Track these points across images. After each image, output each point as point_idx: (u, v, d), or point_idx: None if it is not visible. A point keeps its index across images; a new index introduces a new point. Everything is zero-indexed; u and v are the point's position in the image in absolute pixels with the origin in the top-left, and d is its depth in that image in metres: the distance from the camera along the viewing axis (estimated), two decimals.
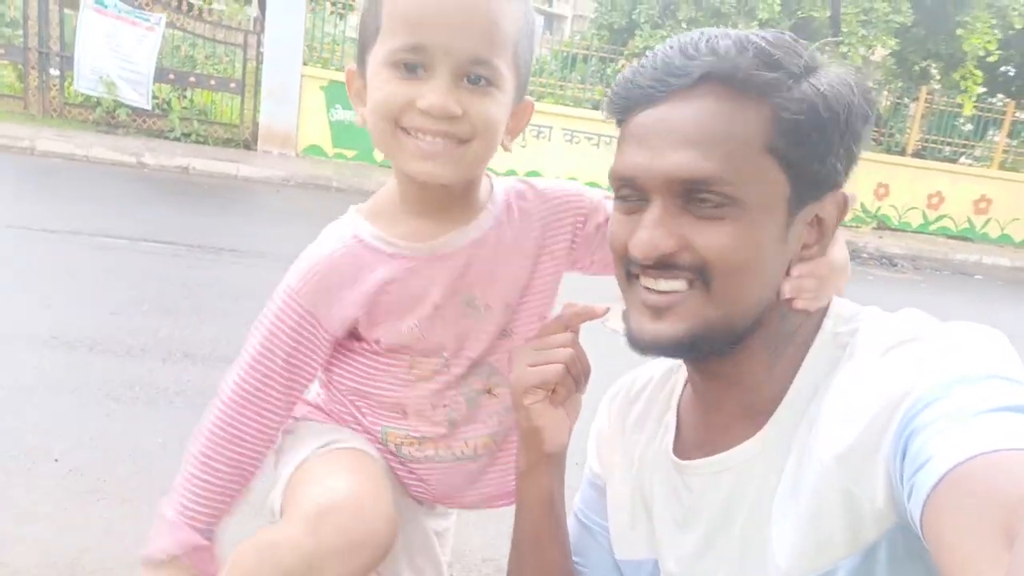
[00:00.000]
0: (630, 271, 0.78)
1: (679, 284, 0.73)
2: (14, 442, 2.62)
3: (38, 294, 4.08)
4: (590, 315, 0.93)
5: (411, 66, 0.84)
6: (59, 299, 4.05)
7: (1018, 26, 11.52)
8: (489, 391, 1.03)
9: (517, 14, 0.88)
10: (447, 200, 0.95)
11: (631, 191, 0.76)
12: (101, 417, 2.88)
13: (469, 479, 1.08)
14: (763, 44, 0.71)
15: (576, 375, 0.91)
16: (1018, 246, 12.18)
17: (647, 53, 0.77)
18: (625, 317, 0.80)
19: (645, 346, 0.77)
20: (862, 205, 11.74)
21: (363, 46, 0.90)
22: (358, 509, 0.87)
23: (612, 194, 0.82)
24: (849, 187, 0.77)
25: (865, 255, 9.66)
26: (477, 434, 1.04)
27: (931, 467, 0.55)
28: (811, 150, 0.71)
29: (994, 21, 11.44)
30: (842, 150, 0.73)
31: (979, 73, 11.72)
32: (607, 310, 0.92)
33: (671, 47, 0.73)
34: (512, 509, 1.00)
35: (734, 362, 0.78)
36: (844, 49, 11.29)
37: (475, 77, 0.85)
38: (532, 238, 1.02)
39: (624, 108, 0.76)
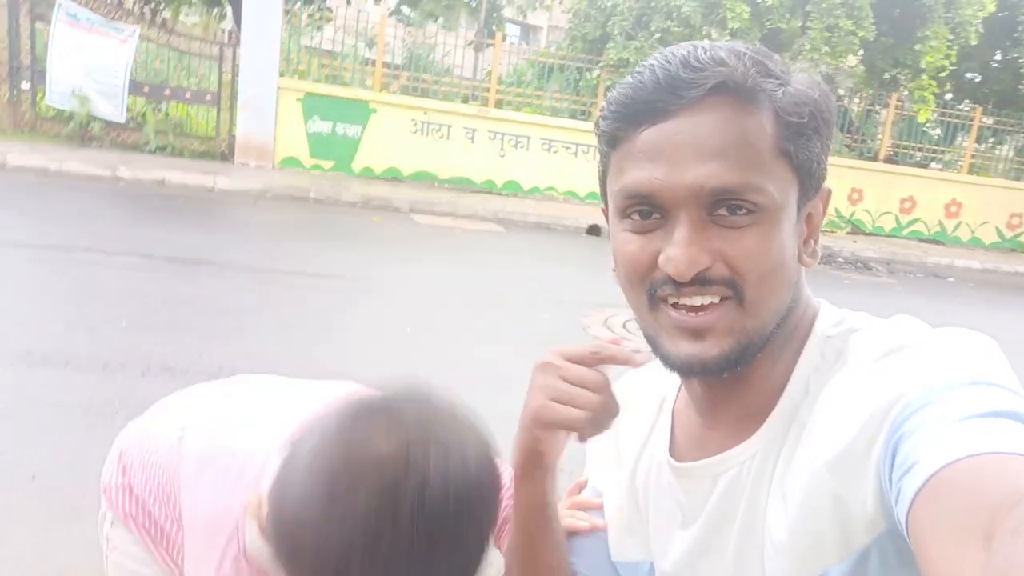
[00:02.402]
0: (655, 294, 0.75)
1: (713, 299, 0.72)
2: None
3: (12, 311, 4.02)
4: (629, 364, 0.81)
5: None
6: (34, 316, 3.99)
7: (973, 42, 11.80)
8: None
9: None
10: None
11: (647, 208, 0.74)
12: (79, 434, 2.84)
13: None
14: (752, 53, 0.73)
15: (600, 421, 0.81)
16: (988, 248, 12.41)
17: (637, 70, 0.75)
18: (652, 342, 0.78)
19: (689, 369, 0.75)
20: (837, 210, 11.90)
21: None
22: None
23: (618, 218, 0.78)
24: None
25: (840, 259, 9.79)
26: None
27: (917, 471, 0.55)
28: (810, 150, 0.73)
29: (951, 37, 11.68)
30: (828, 148, 0.76)
31: (934, 84, 11.93)
32: (644, 361, 0.81)
33: (668, 62, 0.72)
34: None
35: (744, 367, 0.76)
36: (814, 56, 11.47)
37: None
38: None
39: (627, 125, 0.74)
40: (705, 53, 0.71)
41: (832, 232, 11.57)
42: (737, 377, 0.77)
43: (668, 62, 0.72)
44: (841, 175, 11.72)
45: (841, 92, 13.59)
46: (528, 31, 31.10)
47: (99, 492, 1.21)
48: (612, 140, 0.76)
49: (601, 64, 11.56)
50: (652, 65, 0.73)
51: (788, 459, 0.73)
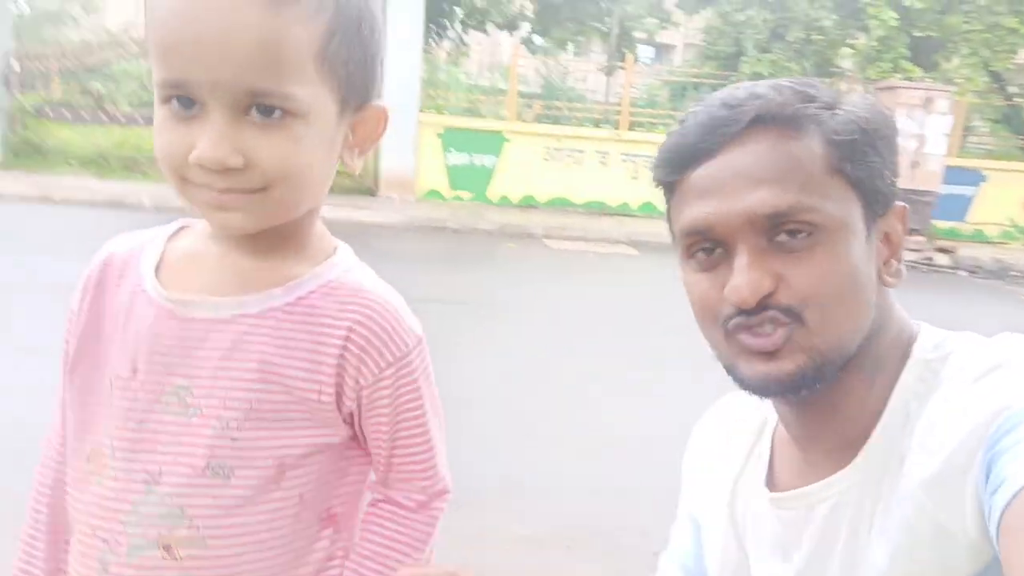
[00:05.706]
0: (728, 329, 0.76)
1: (778, 326, 0.73)
2: None
3: None
4: None
5: (184, 101, 0.66)
6: None
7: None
8: (168, 549, 0.72)
9: (311, 14, 0.67)
10: (263, 240, 0.76)
11: (709, 243, 0.76)
12: None
13: None
14: (792, 84, 0.75)
15: None
16: None
17: (680, 119, 0.78)
18: (731, 370, 0.78)
19: (765, 388, 0.75)
20: (1011, 219, 10.88)
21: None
22: None
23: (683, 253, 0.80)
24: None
25: (1014, 272, 8.88)
26: None
27: (1005, 488, 0.55)
28: (869, 166, 0.73)
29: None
30: (892, 163, 0.76)
31: None
32: None
33: (708, 105, 0.76)
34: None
35: (832, 391, 0.76)
36: (973, 60, 10.58)
37: (264, 108, 0.67)
38: (326, 353, 0.76)
39: (677, 170, 0.77)
40: (743, 91, 0.75)
41: (1004, 244, 10.53)
42: (828, 402, 0.77)
43: (708, 105, 0.76)
44: (1014, 181, 10.68)
45: (1013, 90, 12.43)
46: (662, 51, 30.89)
47: None
48: (667, 188, 0.80)
49: (735, 79, 11.26)
50: (695, 111, 0.77)
51: (890, 489, 0.72)
